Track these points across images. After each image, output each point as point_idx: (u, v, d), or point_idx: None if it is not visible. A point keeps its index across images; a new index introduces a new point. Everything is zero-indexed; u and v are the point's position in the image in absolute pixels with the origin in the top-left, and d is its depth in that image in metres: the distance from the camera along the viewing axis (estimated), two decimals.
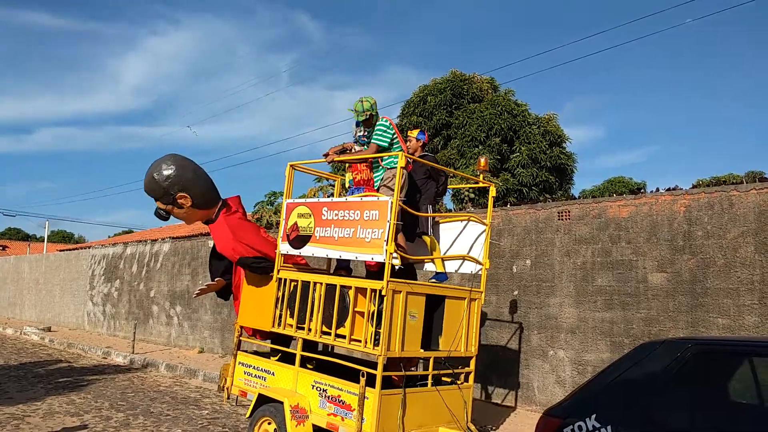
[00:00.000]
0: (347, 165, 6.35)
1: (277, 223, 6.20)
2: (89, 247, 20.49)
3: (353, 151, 6.31)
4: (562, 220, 8.06)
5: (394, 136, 5.91)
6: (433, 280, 6.06)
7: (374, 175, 6.25)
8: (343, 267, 6.31)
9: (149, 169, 5.93)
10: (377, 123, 5.93)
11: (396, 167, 5.37)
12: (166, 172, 5.82)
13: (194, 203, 5.94)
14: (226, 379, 6.34)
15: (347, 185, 6.45)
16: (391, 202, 5.02)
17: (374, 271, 5.92)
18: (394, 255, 5.03)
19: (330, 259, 6.75)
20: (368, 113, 5.90)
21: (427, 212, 6.24)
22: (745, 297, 6.50)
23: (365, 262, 5.91)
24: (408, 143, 6.60)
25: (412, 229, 6.15)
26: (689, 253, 6.93)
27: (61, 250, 23.96)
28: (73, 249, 22.70)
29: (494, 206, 8.74)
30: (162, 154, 6.72)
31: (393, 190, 5.69)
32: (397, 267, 5.59)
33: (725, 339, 4.48)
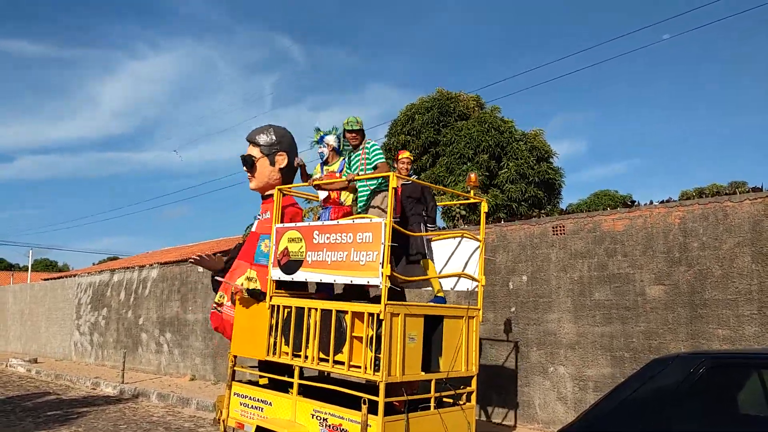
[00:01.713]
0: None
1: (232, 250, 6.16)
2: (75, 276, 20.16)
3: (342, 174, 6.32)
4: (557, 234, 8.01)
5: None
6: (432, 303, 5.97)
7: (359, 195, 6.21)
8: (323, 290, 6.20)
9: (266, 125, 6.64)
10: (372, 144, 6.05)
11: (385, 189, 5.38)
12: (281, 131, 6.52)
13: (282, 168, 6.46)
14: (221, 411, 6.16)
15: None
16: (385, 224, 4.93)
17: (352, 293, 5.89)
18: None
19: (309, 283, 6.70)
20: (360, 125, 6.23)
21: (421, 232, 6.16)
22: (744, 307, 6.46)
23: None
24: (399, 165, 6.56)
25: (404, 251, 6.07)
26: (686, 265, 6.89)
27: (45, 279, 23.55)
28: (58, 278, 22.33)
29: (486, 222, 8.68)
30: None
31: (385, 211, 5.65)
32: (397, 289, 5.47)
33: (738, 352, 4.42)
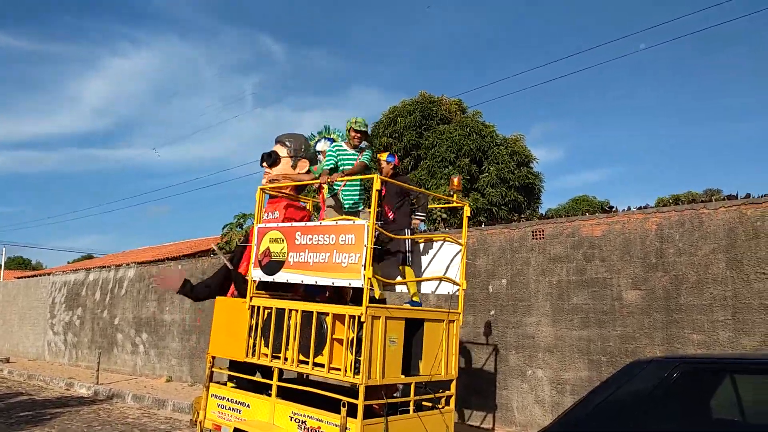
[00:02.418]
0: (315, 189, 6.43)
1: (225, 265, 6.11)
2: (49, 274, 19.82)
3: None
4: (537, 239, 8.08)
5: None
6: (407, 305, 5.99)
7: (347, 195, 6.23)
8: (314, 292, 6.18)
9: (298, 133, 6.86)
10: (369, 151, 6.30)
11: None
12: (309, 143, 6.76)
13: (300, 173, 6.53)
14: (198, 413, 6.10)
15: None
16: (368, 226, 4.93)
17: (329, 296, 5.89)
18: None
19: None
20: (366, 128, 6.30)
21: (406, 234, 6.18)
22: (718, 313, 6.57)
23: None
24: (381, 167, 6.60)
25: (386, 252, 6.09)
26: (662, 271, 7.00)
27: (19, 278, 23.12)
28: (32, 276, 21.94)
29: (468, 226, 8.72)
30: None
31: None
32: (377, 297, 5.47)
33: (712, 357, 4.49)
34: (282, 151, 6.58)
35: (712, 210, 6.75)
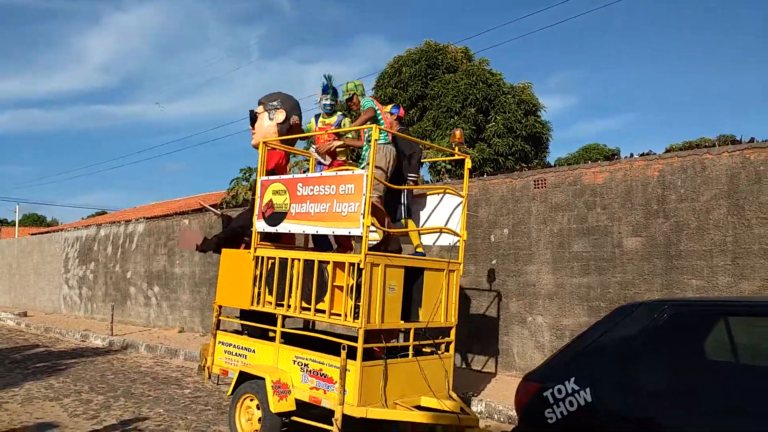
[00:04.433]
0: (311, 140, 6.50)
1: (253, 200, 6.19)
2: (62, 230, 20.12)
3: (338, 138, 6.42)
4: (539, 188, 8.09)
5: (378, 113, 6.13)
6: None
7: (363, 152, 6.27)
8: (323, 248, 6.29)
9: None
10: (365, 101, 6.18)
11: (383, 143, 5.45)
12: (286, 95, 7.02)
13: (280, 124, 6.80)
14: (206, 359, 6.30)
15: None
16: (367, 175, 4.96)
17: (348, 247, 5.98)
18: (373, 229, 5.01)
19: (307, 239, 6.75)
20: (351, 93, 6.30)
21: (403, 189, 6.21)
22: (718, 258, 6.61)
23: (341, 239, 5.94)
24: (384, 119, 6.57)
25: (395, 204, 6.15)
26: (663, 217, 7.01)
27: (33, 234, 23.50)
28: (45, 232, 22.29)
29: (471, 176, 8.73)
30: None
31: (379, 167, 5.70)
32: (374, 242, 5.55)
33: (700, 300, 4.55)
34: (259, 108, 6.92)
35: (715, 155, 6.71)
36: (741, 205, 6.49)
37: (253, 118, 6.89)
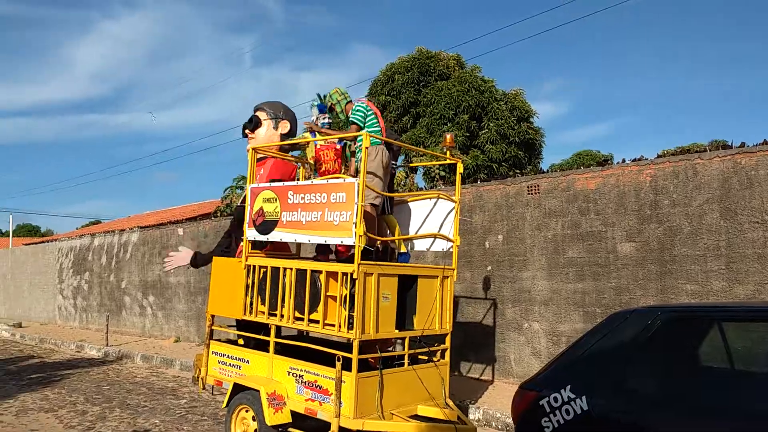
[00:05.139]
0: (306, 150, 6.48)
1: (237, 214, 6.20)
2: (56, 240, 20.04)
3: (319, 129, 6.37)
4: (532, 194, 8.10)
5: (369, 115, 6.06)
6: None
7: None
8: (323, 253, 6.28)
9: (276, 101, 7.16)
10: (355, 105, 6.15)
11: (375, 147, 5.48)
12: (287, 108, 7.05)
13: (284, 134, 6.83)
14: (200, 369, 6.26)
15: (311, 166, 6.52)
16: (358, 183, 4.96)
17: (344, 256, 5.93)
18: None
19: (299, 245, 6.71)
20: (329, 103, 6.33)
21: (388, 191, 6.22)
22: (711, 263, 6.63)
23: (336, 246, 5.92)
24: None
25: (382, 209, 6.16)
26: (656, 222, 7.03)
27: (26, 244, 23.40)
28: (39, 242, 22.20)
29: (464, 183, 8.74)
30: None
31: (372, 173, 5.69)
32: (371, 249, 5.54)
33: (693, 306, 4.56)
34: (262, 114, 6.85)
35: (706, 160, 6.74)
36: (733, 209, 6.51)
37: (257, 123, 6.79)
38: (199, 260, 6.97)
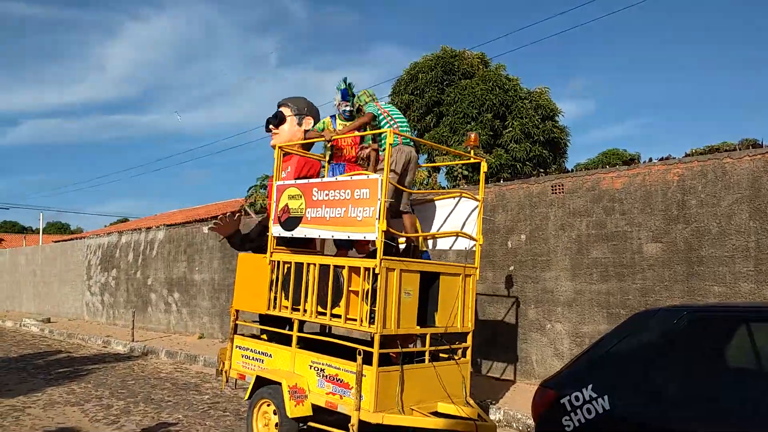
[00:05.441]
0: (328, 144, 6.48)
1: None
2: (84, 238, 20.43)
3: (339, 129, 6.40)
4: (556, 193, 8.03)
5: (380, 117, 6.09)
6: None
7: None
8: (343, 247, 6.30)
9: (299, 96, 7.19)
10: (369, 104, 6.19)
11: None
12: (311, 103, 7.08)
13: (307, 130, 6.82)
14: (223, 363, 6.34)
15: (327, 159, 6.55)
16: (382, 180, 4.97)
17: (365, 252, 5.96)
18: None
19: (323, 242, 6.74)
20: (357, 105, 6.38)
21: (409, 189, 6.21)
22: (740, 264, 6.50)
23: (359, 242, 5.93)
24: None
25: (397, 206, 6.15)
26: (684, 223, 6.91)
27: (56, 241, 23.88)
28: (68, 240, 22.64)
29: (488, 182, 8.69)
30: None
31: (392, 170, 5.69)
32: (392, 244, 5.55)
33: (720, 305, 4.47)
34: (286, 110, 6.89)
35: (736, 159, 6.61)
36: (763, 209, 6.38)
37: (281, 119, 6.82)
38: (235, 240, 6.90)
